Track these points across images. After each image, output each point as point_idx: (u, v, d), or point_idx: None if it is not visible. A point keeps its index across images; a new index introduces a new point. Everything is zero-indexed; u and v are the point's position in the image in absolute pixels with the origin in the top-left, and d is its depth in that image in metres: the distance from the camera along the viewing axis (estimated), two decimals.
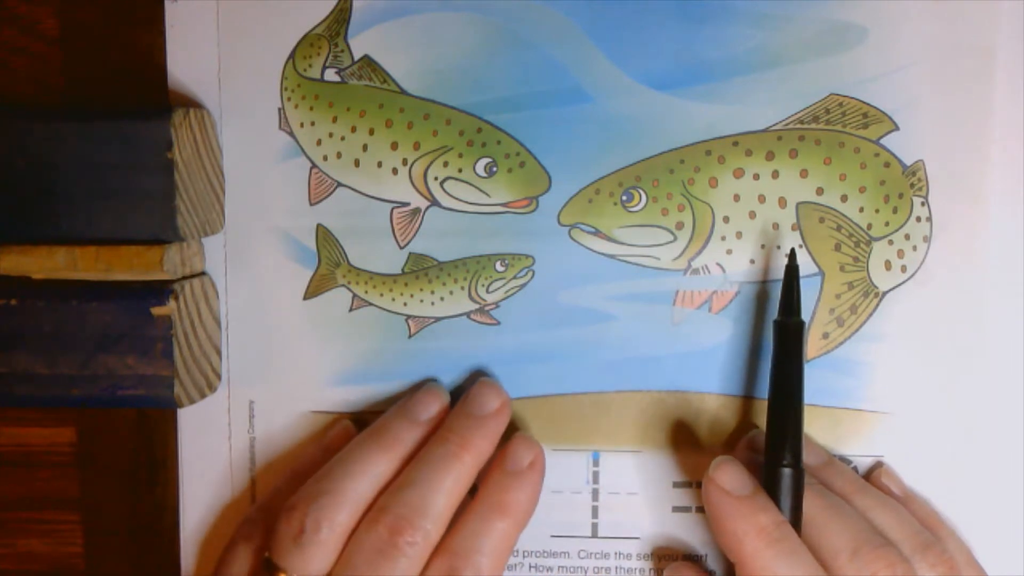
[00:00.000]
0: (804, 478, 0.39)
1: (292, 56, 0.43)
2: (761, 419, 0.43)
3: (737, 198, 0.42)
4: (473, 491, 0.40)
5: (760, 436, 0.41)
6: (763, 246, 0.42)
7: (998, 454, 0.42)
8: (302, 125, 0.43)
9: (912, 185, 0.42)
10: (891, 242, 0.42)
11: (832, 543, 0.38)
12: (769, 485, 0.38)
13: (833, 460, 0.42)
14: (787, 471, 0.38)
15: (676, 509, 0.43)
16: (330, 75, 0.43)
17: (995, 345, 0.42)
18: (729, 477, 0.38)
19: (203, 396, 0.42)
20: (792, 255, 0.40)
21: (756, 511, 0.37)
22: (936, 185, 0.42)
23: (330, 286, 0.43)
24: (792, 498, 0.38)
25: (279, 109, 0.43)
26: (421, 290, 0.43)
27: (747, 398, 0.43)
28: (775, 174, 0.42)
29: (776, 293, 0.42)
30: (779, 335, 0.40)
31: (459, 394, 0.43)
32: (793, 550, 0.37)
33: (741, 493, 0.38)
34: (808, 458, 0.40)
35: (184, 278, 0.41)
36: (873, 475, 0.42)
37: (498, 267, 0.43)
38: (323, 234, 0.43)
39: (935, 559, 0.38)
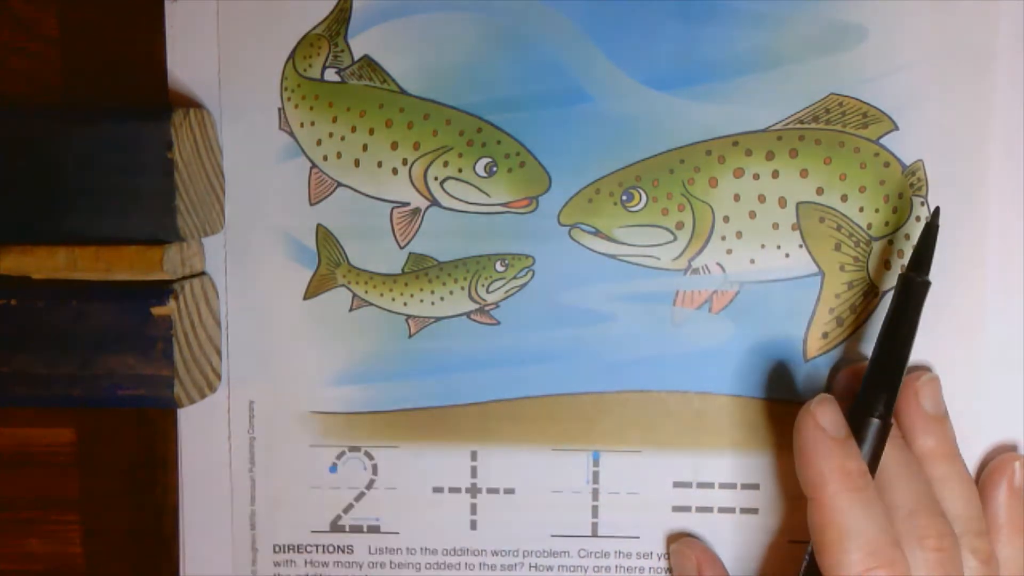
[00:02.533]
0: (890, 431, 0.39)
1: (292, 56, 0.43)
2: (762, 419, 0.43)
3: (737, 198, 0.42)
4: None
5: (863, 369, 0.41)
6: (763, 246, 0.42)
7: (998, 454, 0.42)
8: (302, 125, 0.43)
9: (912, 185, 0.42)
10: (891, 242, 0.42)
11: (894, 498, 0.38)
12: (855, 429, 0.39)
13: (943, 420, 0.41)
14: (876, 422, 0.38)
15: (676, 509, 0.43)
16: (330, 75, 0.43)
17: (995, 345, 0.42)
18: (828, 417, 0.38)
19: (203, 396, 0.42)
20: (936, 214, 0.40)
21: (846, 456, 0.38)
22: (936, 185, 0.42)
23: (330, 286, 0.43)
24: (872, 448, 0.39)
25: (279, 109, 0.43)
26: (421, 290, 0.43)
27: (748, 398, 0.43)
28: (775, 174, 0.42)
29: (776, 293, 0.42)
30: (902, 289, 0.39)
31: (459, 393, 0.43)
32: (870, 502, 0.37)
33: (836, 435, 0.38)
34: (927, 403, 0.40)
35: (184, 278, 0.41)
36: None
37: (498, 267, 0.43)
38: (323, 234, 0.43)
39: (980, 546, 0.39)
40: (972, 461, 0.42)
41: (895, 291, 0.39)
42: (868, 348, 0.42)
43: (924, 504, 0.38)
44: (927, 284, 0.39)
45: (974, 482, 0.41)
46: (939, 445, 0.40)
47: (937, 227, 0.39)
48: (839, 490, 0.38)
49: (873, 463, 0.39)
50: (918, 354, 0.42)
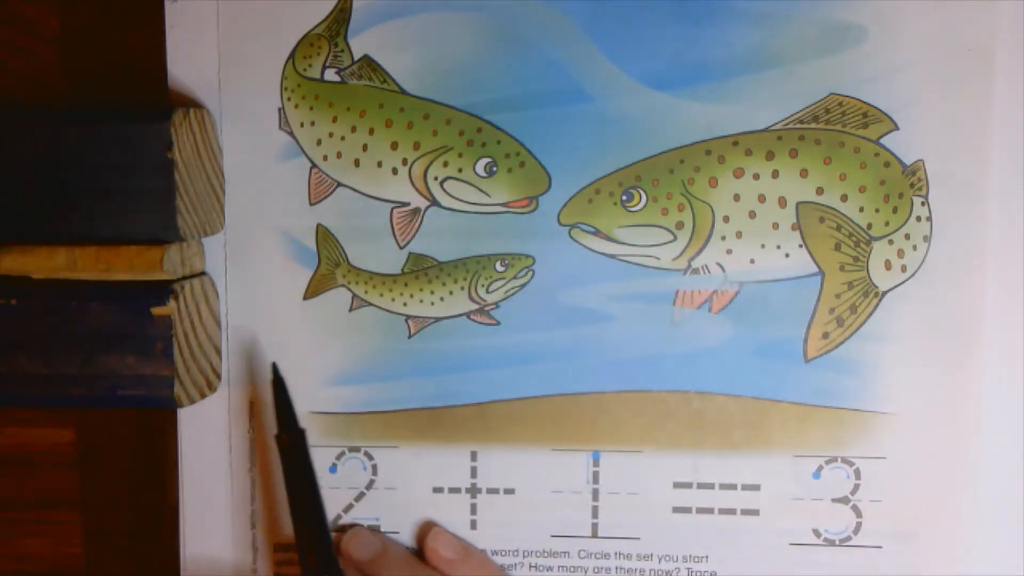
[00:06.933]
0: None
1: (292, 56, 0.43)
2: (764, 419, 0.43)
3: (737, 198, 0.42)
4: None
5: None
6: (763, 246, 0.42)
7: (998, 453, 0.42)
8: (302, 125, 0.43)
9: (912, 185, 0.42)
10: (891, 242, 0.42)
11: None
12: None
13: (385, 548, 0.43)
14: None
15: (676, 509, 0.43)
16: (330, 75, 0.43)
17: (995, 345, 0.42)
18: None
19: (203, 396, 0.42)
20: (274, 369, 0.42)
21: None
22: (936, 185, 0.42)
23: (330, 286, 0.43)
24: None
25: (279, 109, 0.43)
26: (421, 290, 0.43)
27: (748, 398, 0.43)
28: (775, 174, 0.42)
29: (776, 293, 0.42)
30: (282, 451, 0.41)
31: (459, 393, 0.43)
32: None
33: None
34: (359, 552, 0.42)
35: (184, 278, 0.41)
36: (426, 541, 0.43)
37: (498, 267, 0.43)
38: (323, 234, 0.43)
39: None
40: (974, 461, 0.42)
41: (280, 454, 0.41)
42: (869, 348, 0.42)
43: None
44: (300, 434, 0.41)
45: None
46: (400, 568, 0.42)
47: (281, 380, 0.41)
48: None
49: None
50: (921, 356, 0.42)
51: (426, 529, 0.43)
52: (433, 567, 0.42)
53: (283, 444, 0.41)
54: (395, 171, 0.43)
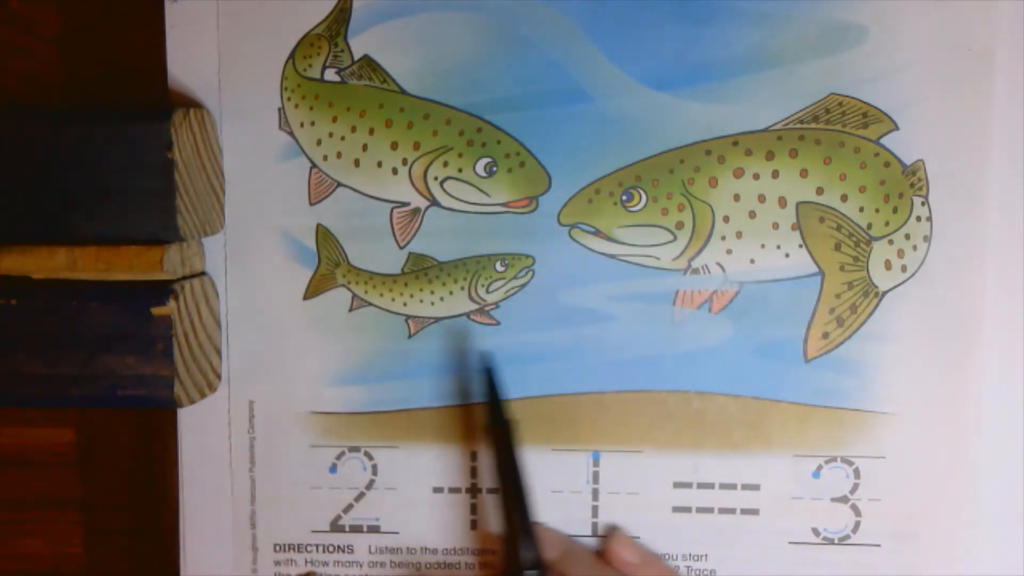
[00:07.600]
0: None
1: (292, 56, 0.43)
2: (764, 419, 0.43)
3: (737, 198, 0.42)
4: None
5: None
6: (763, 246, 0.42)
7: (998, 453, 0.42)
8: (302, 125, 0.43)
9: (912, 185, 0.42)
10: (891, 242, 0.42)
11: None
12: None
13: (571, 548, 0.43)
14: (534, 574, 0.39)
15: (676, 509, 0.43)
16: (330, 75, 0.43)
17: (995, 345, 0.42)
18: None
19: (203, 396, 0.42)
20: (486, 358, 0.42)
21: None
22: (936, 185, 0.42)
23: (330, 286, 0.43)
24: None
25: (279, 109, 0.43)
26: (421, 290, 0.43)
27: (748, 398, 0.43)
28: (775, 174, 0.42)
29: (776, 293, 0.42)
30: (493, 443, 0.41)
31: (459, 394, 0.43)
32: None
33: None
34: (546, 551, 0.41)
35: (184, 278, 0.41)
36: (609, 544, 0.43)
37: (498, 267, 0.43)
38: (323, 234, 0.43)
39: None
40: (974, 461, 0.42)
41: (489, 443, 0.41)
42: (869, 348, 0.42)
43: None
44: (508, 425, 0.41)
45: None
46: (586, 569, 0.42)
47: (491, 371, 0.41)
48: None
49: None
50: (921, 356, 0.42)
51: (609, 532, 0.43)
52: (616, 570, 0.43)
53: (494, 436, 0.41)
54: (395, 171, 0.43)
